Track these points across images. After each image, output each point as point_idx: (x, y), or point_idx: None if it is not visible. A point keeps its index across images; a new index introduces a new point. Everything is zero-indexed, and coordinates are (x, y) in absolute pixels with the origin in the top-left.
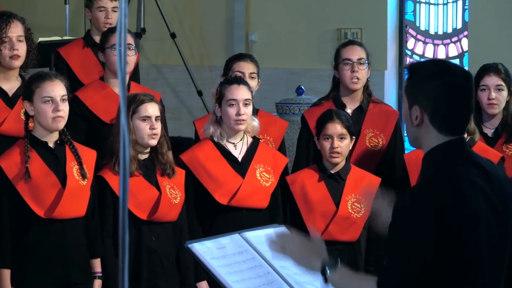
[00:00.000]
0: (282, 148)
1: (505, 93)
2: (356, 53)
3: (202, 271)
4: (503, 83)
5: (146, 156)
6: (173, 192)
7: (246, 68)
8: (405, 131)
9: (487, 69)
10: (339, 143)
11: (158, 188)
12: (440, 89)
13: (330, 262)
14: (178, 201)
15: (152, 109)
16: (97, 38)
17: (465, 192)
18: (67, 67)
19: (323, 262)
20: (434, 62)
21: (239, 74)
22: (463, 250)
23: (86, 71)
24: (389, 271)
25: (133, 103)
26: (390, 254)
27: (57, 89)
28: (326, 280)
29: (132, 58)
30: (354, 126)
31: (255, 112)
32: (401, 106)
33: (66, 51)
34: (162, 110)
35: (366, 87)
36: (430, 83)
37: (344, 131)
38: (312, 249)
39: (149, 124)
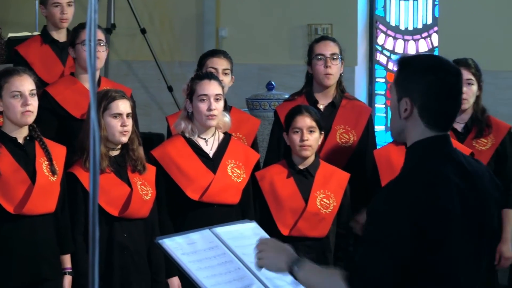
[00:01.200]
0: (254, 146)
1: (474, 87)
2: (329, 49)
3: (173, 267)
4: (472, 78)
5: (117, 152)
6: (144, 189)
7: (220, 64)
8: (376, 127)
9: (456, 64)
10: (309, 136)
11: (129, 185)
12: (433, 84)
13: (296, 261)
14: (149, 197)
15: (123, 106)
16: (54, 34)
17: (438, 190)
18: (25, 65)
19: (288, 262)
20: (429, 57)
21: (213, 70)
22: (435, 249)
23: (45, 68)
24: (362, 269)
25: (104, 99)
26: (364, 252)
27: (26, 83)
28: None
29: (103, 54)
30: (326, 122)
31: (228, 109)
32: (372, 102)
33: (24, 49)
34: (133, 106)
35: (339, 83)
36: (423, 77)
37: (314, 124)
38: (278, 248)
39: (120, 121)
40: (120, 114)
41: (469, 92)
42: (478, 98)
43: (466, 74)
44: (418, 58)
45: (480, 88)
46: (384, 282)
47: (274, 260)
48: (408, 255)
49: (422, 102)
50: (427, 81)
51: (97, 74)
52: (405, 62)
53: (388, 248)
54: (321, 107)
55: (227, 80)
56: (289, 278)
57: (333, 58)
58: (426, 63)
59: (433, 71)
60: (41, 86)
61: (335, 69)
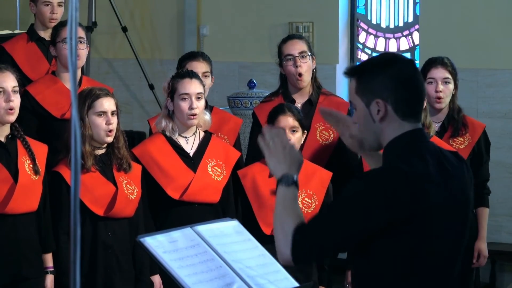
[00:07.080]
0: (237, 145)
1: (451, 86)
2: (297, 47)
3: (155, 265)
4: (450, 76)
5: (102, 151)
6: (130, 188)
7: (199, 67)
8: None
9: (433, 62)
10: (291, 136)
11: (115, 184)
12: (396, 77)
13: (289, 179)
14: (134, 196)
15: (108, 104)
16: (41, 33)
17: (421, 184)
18: (12, 62)
19: (284, 174)
20: (380, 56)
21: None
22: (415, 240)
23: (31, 66)
24: (312, 228)
25: (89, 98)
26: (323, 215)
27: (9, 80)
28: None
29: (83, 52)
30: (305, 120)
31: (210, 109)
32: None
33: (11, 46)
34: (117, 104)
35: (314, 80)
36: (384, 74)
37: (296, 123)
38: (289, 157)
39: (105, 120)
40: (104, 112)
41: (446, 91)
42: (453, 97)
43: (443, 73)
44: (371, 61)
45: (456, 87)
46: (323, 251)
47: (279, 160)
48: (358, 241)
49: (394, 97)
50: (390, 75)
51: (79, 73)
52: (358, 70)
53: (344, 225)
54: (299, 105)
55: (207, 82)
56: (272, 276)
57: (302, 57)
58: (381, 62)
59: (390, 65)
60: (27, 84)
61: (305, 67)
